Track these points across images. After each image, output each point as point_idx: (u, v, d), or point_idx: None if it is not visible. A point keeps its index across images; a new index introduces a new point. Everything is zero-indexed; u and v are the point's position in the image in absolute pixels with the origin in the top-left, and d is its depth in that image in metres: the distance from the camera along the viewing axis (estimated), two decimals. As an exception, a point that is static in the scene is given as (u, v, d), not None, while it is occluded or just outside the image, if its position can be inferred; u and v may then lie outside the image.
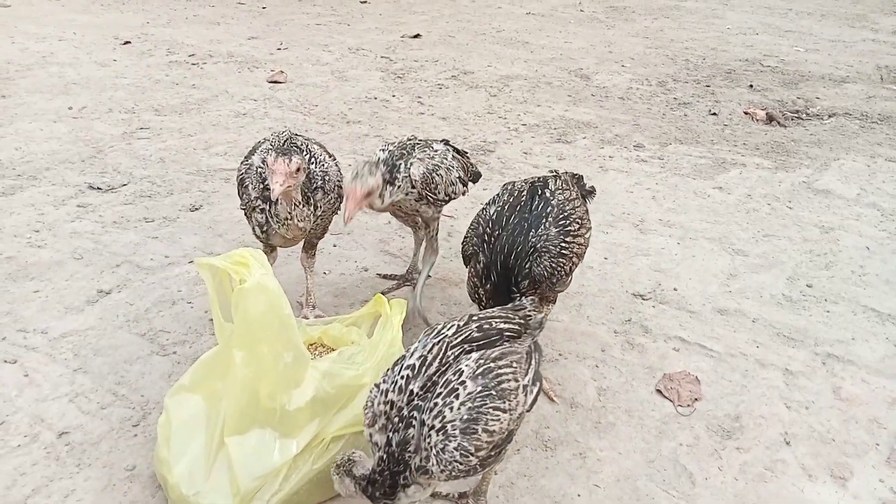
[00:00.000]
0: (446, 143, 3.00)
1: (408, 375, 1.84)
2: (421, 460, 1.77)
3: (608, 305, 3.20)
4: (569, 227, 2.44)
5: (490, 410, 1.79)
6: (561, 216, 2.45)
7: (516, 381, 1.89)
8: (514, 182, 2.65)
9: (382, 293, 2.72)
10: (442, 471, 1.76)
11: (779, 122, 5.56)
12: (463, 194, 2.99)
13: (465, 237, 2.58)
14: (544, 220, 2.42)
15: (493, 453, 1.84)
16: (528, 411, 1.97)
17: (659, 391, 2.68)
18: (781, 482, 2.32)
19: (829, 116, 5.74)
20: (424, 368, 1.85)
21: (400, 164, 2.68)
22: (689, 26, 8.89)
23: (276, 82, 6.11)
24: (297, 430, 2.10)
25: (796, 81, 6.64)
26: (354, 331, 2.51)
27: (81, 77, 6.01)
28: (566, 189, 2.56)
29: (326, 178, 2.70)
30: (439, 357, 1.87)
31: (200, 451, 2.07)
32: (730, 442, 2.47)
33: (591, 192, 2.88)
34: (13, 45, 6.84)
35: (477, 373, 1.83)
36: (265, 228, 2.64)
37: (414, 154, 2.75)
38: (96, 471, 2.25)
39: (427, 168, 2.73)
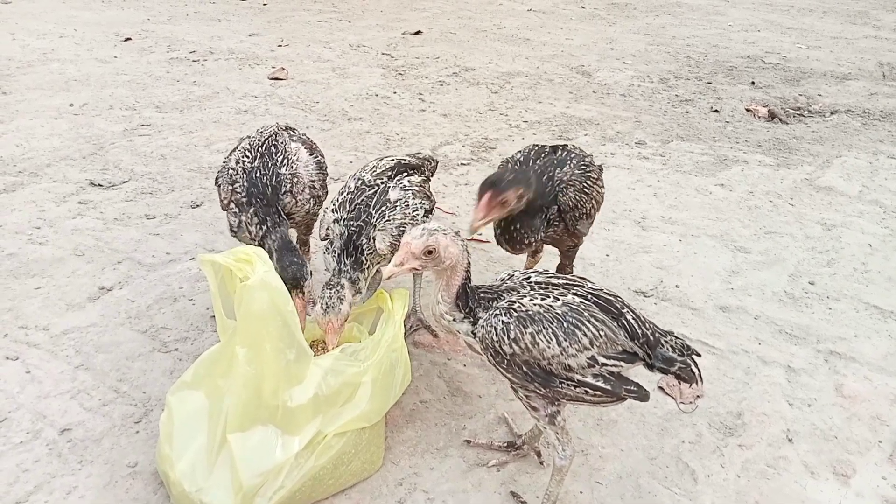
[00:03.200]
0: (398, 167, 2.66)
1: (540, 273, 2.09)
2: None
3: (610, 302, 3.20)
4: (589, 172, 2.64)
5: (548, 329, 1.90)
6: (582, 163, 2.65)
7: (587, 347, 1.91)
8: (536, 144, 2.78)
9: None
10: (482, 339, 1.96)
11: (781, 119, 5.55)
12: (432, 216, 2.70)
13: (495, 173, 2.48)
14: (569, 162, 2.62)
15: (525, 369, 1.92)
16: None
17: (661, 388, 2.68)
18: (783, 479, 2.31)
19: (832, 113, 5.73)
20: (559, 278, 2.05)
21: (362, 241, 2.43)
22: (691, 23, 8.87)
23: (277, 79, 6.10)
24: (300, 427, 2.09)
25: (798, 78, 6.63)
26: (356, 327, 2.51)
27: (82, 74, 6.00)
28: (583, 153, 2.76)
29: (295, 180, 2.67)
30: (572, 281, 2.04)
31: (202, 447, 2.07)
32: (732, 439, 2.47)
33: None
34: (14, 41, 6.83)
35: (571, 305, 1.94)
36: (235, 231, 2.62)
37: (372, 221, 2.45)
38: (98, 468, 2.25)
39: (392, 236, 2.44)
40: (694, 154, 4.86)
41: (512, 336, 1.89)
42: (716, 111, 5.72)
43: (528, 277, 2.04)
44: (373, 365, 2.17)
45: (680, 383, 2.69)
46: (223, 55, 6.74)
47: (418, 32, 7.89)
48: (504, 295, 1.99)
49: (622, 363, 1.95)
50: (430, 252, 1.90)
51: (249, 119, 5.17)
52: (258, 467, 2.02)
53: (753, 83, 6.45)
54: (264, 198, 2.59)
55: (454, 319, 2.00)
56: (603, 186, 2.76)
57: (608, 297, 2.01)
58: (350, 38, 7.60)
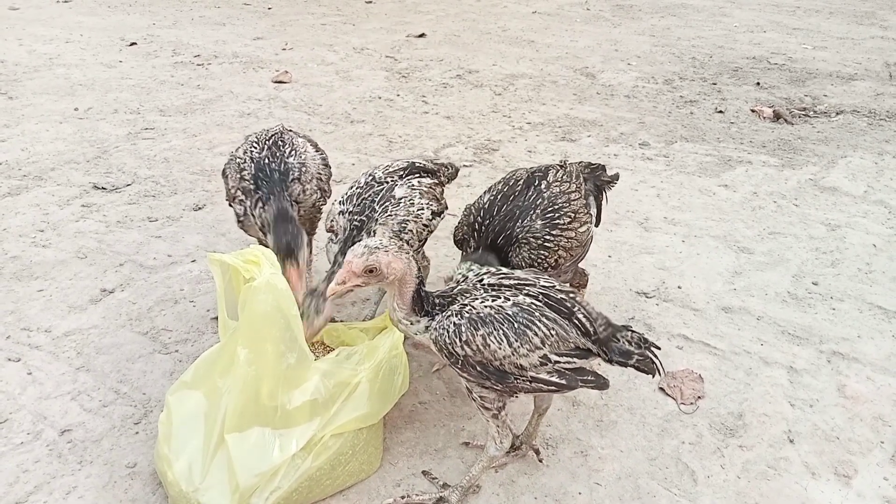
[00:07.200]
0: (411, 168, 2.67)
1: (493, 273, 2.09)
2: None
3: (612, 303, 3.19)
4: (556, 221, 2.46)
5: (499, 330, 1.92)
6: (549, 209, 2.47)
7: (538, 347, 1.95)
8: (516, 171, 2.66)
9: None
10: (435, 341, 1.98)
11: (786, 120, 5.52)
12: (440, 220, 2.70)
13: (458, 224, 2.60)
14: (531, 212, 2.45)
15: (479, 369, 1.95)
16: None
17: (661, 389, 2.66)
18: (784, 480, 2.30)
19: (837, 114, 5.70)
20: (510, 278, 2.06)
21: (361, 237, 2.42)
22: (696, 24, 8.85)
23: (280, 82, 6.12)
24: (297, 428, 2.09)
25: (804, 79, 6.59)
26: (356, 331, 2.50)
27: (87, 78, 6.04)
28: (565, 181, 2.57)
29: (304, 168, 2.70)
30: (523, 280, 2.05)
31: (200, 447, 2.07)
32: (733, 440, 2.45)
33: (612, 179, 2.85)
34: (21, 46, 6.88)
35: (522, 306, 1.96)
36: (241, 219, 2.64)
37: (375, 216, 2.46)
38: (97, 468, 2.26)
39: (393, 231, 2.45)
40: (698, 155, 4.84)
41: (464, 339, 1.93)
42: (720, 112, 5.70)
43: (482, 279, 2.06)
44: (370, 368, 2.17)
45: (682, 384, 2.68)
46: (227, 59, 6.77)
47: (422, 35, 7.90)
48: (457, 298, 2.02)
49: (575, 359, 2.01)
50: (371, 270, 1.92)
51: (253, 122, 5.19)
52: (255, 468, 2.02)
53: (759, 84, 6.42)
54: (271, 181, 2.60)
55: (411, 323, 2.03)
56: (584, 223, 2.54)
57: (559, 295, 2.03)
58: (354, 41, 7.61)
